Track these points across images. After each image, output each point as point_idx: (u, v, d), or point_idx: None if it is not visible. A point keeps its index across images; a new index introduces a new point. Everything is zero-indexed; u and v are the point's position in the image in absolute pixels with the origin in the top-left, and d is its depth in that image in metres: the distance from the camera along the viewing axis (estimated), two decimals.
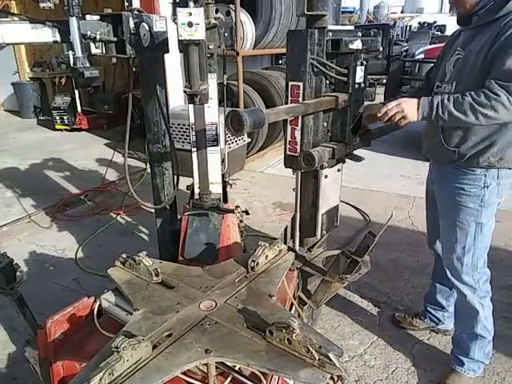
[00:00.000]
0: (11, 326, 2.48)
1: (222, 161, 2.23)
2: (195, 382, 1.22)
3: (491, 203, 1.80)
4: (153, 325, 1.24)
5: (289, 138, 1.87)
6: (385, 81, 9.68)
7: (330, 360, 1.06)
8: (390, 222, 1.61)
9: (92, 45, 1.69)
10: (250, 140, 5.36)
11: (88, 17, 1.68)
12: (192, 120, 2.03)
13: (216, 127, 2.09)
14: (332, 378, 1.09)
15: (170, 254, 2.22)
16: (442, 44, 1.95)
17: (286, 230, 2.14)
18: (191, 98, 1.60)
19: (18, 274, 1.59)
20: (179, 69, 4.58)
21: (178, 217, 2.32)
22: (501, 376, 2.13)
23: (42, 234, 3.75)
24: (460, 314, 2.06)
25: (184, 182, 2.31)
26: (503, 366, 2.19)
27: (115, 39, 1.71)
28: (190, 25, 1.41)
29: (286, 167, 1.95)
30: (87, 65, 1.55)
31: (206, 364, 1.15)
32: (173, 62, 4.36)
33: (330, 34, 1.72)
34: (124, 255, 1.58)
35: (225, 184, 2.28)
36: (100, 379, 0.98)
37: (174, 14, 1.52)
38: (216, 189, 2.19)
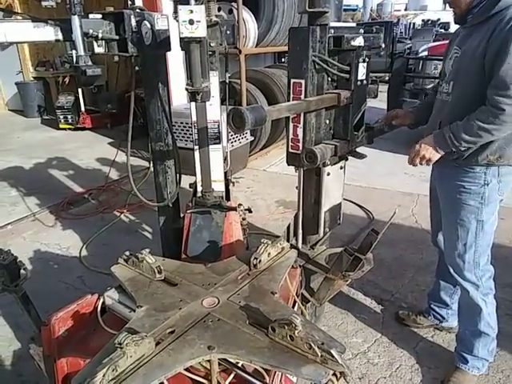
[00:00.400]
0: (16, 323, 2.50)
1: (225, 159, 2.22)
2: (198, 378, 1.23)
3: (492, 200, 1.80)
4: (156, 321, 1.24)
5: (291, 136, 1.87)
6: (387, 78, 9.65)
7: (333, 356, 1.06)
8: (394, 220, 1.61)
9: (95, 44, 1.70)
10: (252, 138, 5.36)
11: (91, 15, 1.69)
12: (194, 118, 2.03)
13: (218, 125, 2.09)
14: (334, 374, 1.09)
15: (172, 251, 2.22)
16: (446, 41, 1.95)
17: (288, 227, 2.14)
18: (193, 95, 1.60)
19: (22, 271, 1.60)
20: (182, 67, 4.59)
21: (181, 215, 2.32)
22: (505, 374, 2.12)
23: (47, 232, 3.77)
24: (463, 311, 2.06)
25: (188, 181, 2.31)
26: (508, 363, 2.18)
27: (117, 37, 1.71)
28: (191, 22, 1.41)
29: (288, 165, 1.95)
30: (89, 63, 1.56)
31: (208, 360, 1.16)
32: (176, 60, 4.37)
33: (332, 31, 1.72)
34: (127, 253, 1.58)
35: (227, 182, 2.28)
36: (103, 375, 0.99)
37: (176, 11, 1.52)
38: (218, 187, 2.19)
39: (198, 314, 1.29)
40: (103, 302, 1.52)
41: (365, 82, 1.83)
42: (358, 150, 1.98)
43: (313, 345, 1.08)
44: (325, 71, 1.76)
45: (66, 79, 8.01)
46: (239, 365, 1.23)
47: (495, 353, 2.12)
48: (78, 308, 1.47)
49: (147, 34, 1.76)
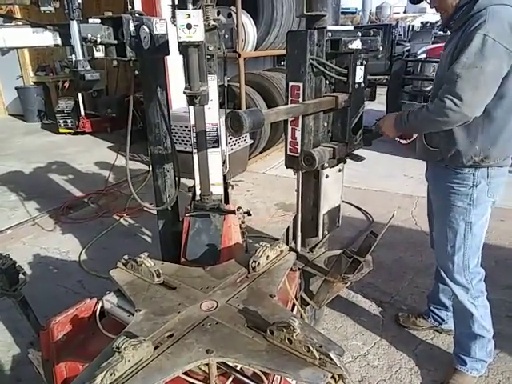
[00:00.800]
0: (15, 328, 2.50)
1: (224, 162, 2.23)
2: (197, 382, 1.22)
3: (481, 202, 1.80)
4: (154, 325, 1.24)
5: (289, 139, 1.87)
6: (385, 81, 9.66)
7: (331, 359, 1.06)
8: (393, 222, 1.61)
9: (94, 48, 1.71)
10: (252, 141, 5.37)
11: (90, 20, 1.70)
12: (193, 122, 2.04)
13: (217, 128, 2.10)
14: (333, 377, 1.09)
15: (172, 255, 2.23)
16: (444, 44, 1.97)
17: (287, 230, 2.14)
18: (191, 99, 1.61)
19: (20, 276, 1.61)
20: (181, 71, 4.60)
21: (180, 218, 2.32)
22: (505, 376, 2.11)
23: (46, 236, 3.77)
24: (457, 314, 2.06)
25: (187, 184, 2.32)
26: (508, 365, 2.17)
27: (116, 42, 1.72)
28: (188, 27, 1.42)
29: (286, 168, 1.95)
30: (88, 68, 1.56)
31: (207, 364, 1.16)
32: (175, 63, 4.38)
33: (330, 34, 1.72)
34: (126, 257, 1.58)
35: (226, 185, 2.28)
36: (102, 379, 0.99)
37: (173, 16, 1.53)
38: (217, 190, 2.19)
39: (196, 318, 1.29)
40: (102, 306, 1.52)
41: (362, 84, 1.84)
42: (356, 152, 1.98)
43: (311, 348, 1.08)
44: (323, 74, 1.77)
45: (66, 84, 8.03)
46: (238, 368, 1.23)
47: (495, 354, 2.12)
48: (76, 312, 1.47)
49: (146, 39, 1.77)
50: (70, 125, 7.39)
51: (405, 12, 27.92)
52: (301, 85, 1.75)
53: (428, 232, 2.35)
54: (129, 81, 1.97)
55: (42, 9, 1.48)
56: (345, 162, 1.99)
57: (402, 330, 2.46)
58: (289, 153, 1.90)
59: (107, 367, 1.01)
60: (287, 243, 2.12)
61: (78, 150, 6.53)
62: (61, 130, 7.46)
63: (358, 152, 2.00)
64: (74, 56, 1.56)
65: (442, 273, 1.98)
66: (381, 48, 1.90)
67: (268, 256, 1.58)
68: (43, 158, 5.96)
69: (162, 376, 1.05)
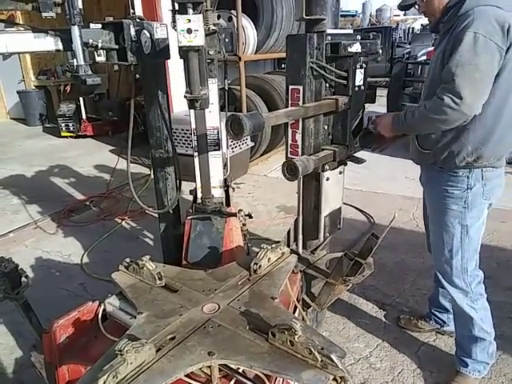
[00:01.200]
0: (18, 331, 2.51)
1: (225, 165, 2.24)
2: None
3: (476, 205, 1.79)
4: (156, 328, 1.25)
5: (290, 142, 1.88)
6: (385, 83, 9.66)
7: (333, 361, 1.06)
8: (394, 224, 1.61)
9: (95, 53, 1.72)
10: (253, 144, 5.38)
11: (92, 25, 1.72)
12: (193, 125, 2.05)
13: (218, 132, 2.11)
14: (335, 379, 1.09)
15: (173, 257, 2.23)
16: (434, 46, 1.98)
17: (289, 232, 2.15)
18: (192, 103, 1.62)
19: (23, 279, 1.61)
20: (182, 74, 4.62)
21: (182, 221, 2.33)
22: (508, 377, 2.11)
23: (48, 240, 3.78)
24: (456, 317, 2.05)
25: (188, 187, 2.32)
26: (510, 366, 2.17)
27: (117, 47, 1.74)
28: (189, 31, 1.43)
29: None
30: (89, 72, 1.57)
31: (209, 366, 1.16)
32: (176, 67, 4.40)
33: (329, 37, 1.73)
34: (128, 259, 1.59)
35: (227, 188, 2.29)
36: (104, 382, 0.99)
37: (174, 20, 1.54)
38: (218, 193, 2.20)
39: (198, 320, 1.29)
40: (104, 309, 1.53)
41: (362, 87, 1.85)
42: (357, 154, 1.99)
43: (313, 350, 1.08)
44: (322, 77, 1.78)
45: (68, 87, 8.06)
46: (240, 370, 1.23)
47: (497, 356, 2.11)
48: (79, 315, 1.47)
49: (146, 43, 1.78)
50: (71, 128, 7.42)
51: (405, 14, 27.89)
52: (301, 88, 1.76)
53: None
54: (130, 84, 1.98)
55: (44, 14, 1.49)
56: (345, 164, 1.99)
57: (404, 332, 2.46)
58: (289, 155, 1.91)
59: (109, 370, 1.01)
60: (288, 245, 2.12)
61: (79, 153, 6.55)
62: (62, 134, 7.48)
63: (359, 154, 2.00)
64: (75, 61, 1.57)
65: (440, 277, 1.97)
66: (381, 51, 1.91)
67: (269, 258, 1.59)
68: (45, 161, 5.98)
69: (164, 379, 1.05)
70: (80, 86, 1.56)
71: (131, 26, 1.72)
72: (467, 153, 1.71)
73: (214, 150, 2.13)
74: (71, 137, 7.49)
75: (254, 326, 1.25)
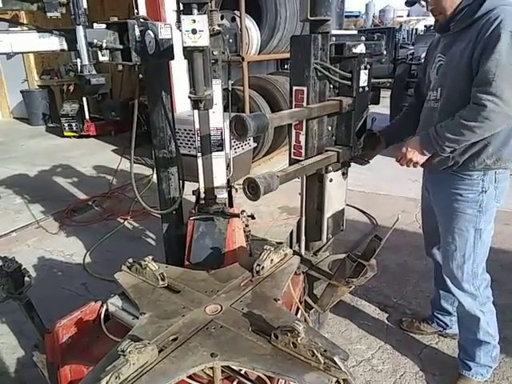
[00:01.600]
0: (20, 330, 2.51)
1: (228, 165, 2.24)
2: None
3: (489, 208, 1.77)
4: (159, 329, 1.24)
5: (293, 143, 1.88)
6: (388, 84, 9.64)
7: (336, 364, 1.06)
8: (397, 226, 1.60)
9: (99, 53, 1.72)
10: (256, 145, 5.38)
11: (96, 25, 1.72)
12: (197, 125, 2.05)
13: (221, 132, 2.11)
14: (338, 381, 1.08)
15: (176, 258, 2.23)
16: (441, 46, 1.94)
17: (291, 234, 2.14)
18: (196, 103, 1.62)
19: (26, 278, 1.61)
20: (186, 74, 4.62)
21: (184, 221, 2.33)
22: (510, 380, 2.10)
23: (51, 239, 3.78)
24: (461, 321, 2.04)
25: (191, 187, 2.32)
26: None
27: (121, 47, 1.74)
28: (194, 32, 1.43)
29: None
30: (94, 72, 1.58)
31: (211, 368, 1.16)
32: (180, 67, 4.40)
33: (334, 38, 1.73)
34: (130, 260, 1.59)
35: (230, 188, 2.29)
36: (106, 383, 0.99)
37: (179, 21, 1.54)
38: (221, 193, 2.20)
39: (200, 321, 1.29)
40: (106, 309, 1.52)
41: (367, 88, 1.84)
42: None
43: (316, 352, 1.08)
44: (327, 78, 1.78)
45: (71, 87, 8.09)
46: (242, 372, 1.23)
47: (500, 359, 2.10)
48: (81, 315, 1.47)
49: (151, 44, 1.78)
50: (74, 128, 7.44)
51: (408, 15, 27.89)
52: (305, 89, 1.76)
53: None
54: (133, 84, 1.99)
55: (49, 14, 1.49)
56: (349, 165, 1.99)
57: (407, 334, 2.45)
58: (293, 156, 1.90)
59: (112, 370, 1.01)
60: (291, 247, 2.12)
61: (82, 153, 6.56)
62: (65, 134, 7.50)
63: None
64: (79, 60, 1.57)
65: (449, 283, 1.93)
66: (385, 52, 1.90)
67: (272, 260, 1.58)
68: (48, 161, 5.99)
69: (166, 380, 1.05)
70: (84, 85, 1.56)
71: (136, 27, 1.72)
72: (487, 155, 1.67)
73: (218, 151, 2.13)
74: (74, 136, 7.50)
75: (256, 327, 1.24)
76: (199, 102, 1.61)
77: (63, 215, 4.20)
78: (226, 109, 2.18)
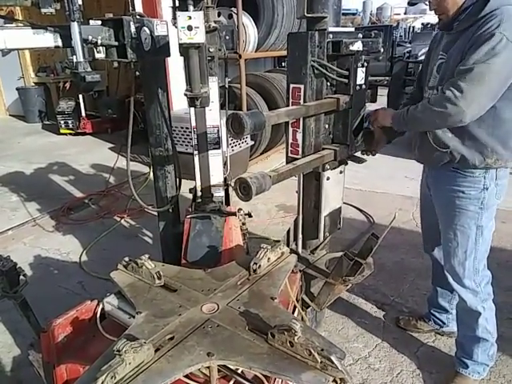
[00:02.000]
0: (16, 329, 2.50)
1: (225, 163, 2.23)
2: None
3: (490, 205, 1.78)
4: (155, 328, 1.24)
5: (290, 141, 1.87)
6: (386, 82, 9.63)
7: (332, 363, 1.05)
8: (394, 224, 1.60)
9: (95, 49, 1.71)
10: (253, 143, 5.37)
11: (91, 22, 1.70)
12: (193, 123, 2.04)
13: (218, 130, 2.10)
14: (335, 380, 1.08)
15: (172, 256, 2.22)
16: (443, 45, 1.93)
17: (288, 232, 2.14)
18: (192, 101, 1.61)
19: (21, 277, 1.60)
20: (182, 72, 4.60)
21: (181, 220, 2.32)
22: (507, 378, 2.11)
23: (47, 237, 3.77)
24: (461, 317, 2.05)
25: (188, 185, 2.31)
26: (509, 368, 2.17)
27: (116, 44, 1.72)
28: (189, 28, 1.42)
29: None
30: (89, 69, 1.56)
31: (208, 367, 1.15)
32: (176, 65, 4.38)
33: (331, 35, 1.72)
34: (126, 258, 1.58)
35: (227, 187, 2.28)
36: (102, 382, 0.98)
37: (174, 17, 1.53)
38: (218, 191, 2.19)
39: (197, 320, 1.28)
40: (102, 308, 1.52)
41: (364, 86, 1.83)
42: (357, 154, 1.98)
43: (312, 351, 1.07)
44: (324, 76, 1.77)
45: (67, 84, 8.04)
46: (239, 371, 1.23)
47: (496, 357, 2.11)
48: (77, 314, 1.47)
49: (146, 40, 1.76)
50: (70, 125, 7.40)
51: (405, 13, 27.89)
52: (302, 86, 1.75)
53: None
54: (129, 82, 1.97)
55: (43, 10, 1.48)
56: (346, 163, 1.98)
57: (404, 332, 2.45)
58: (290, 154, 1.90)
59: (108, 370, 1.00)
60: (288, 245, 2.12)
61: (78, 150, 6.53)
62: (61, 131, 7.46)
63: (359, 154, 1.99)
64: (74, 57, 1.56)
65: (451, 279, 1.93)
66: (382, 50, 1.89)
67: (269, 258, 1.58)
68: (44, 158, 5.96)
69: (162, 379, 1.05)
70: (79, 82, 1.54)
71: (131, 23, 1.71)
72: (487, 154, 1.68)
73: (214, 149, 2.11)
74: (70, 134, 7.47)
75: (253, 326, 1.24)
76: (195, 100, 1.60)
77: (59, 213, 4.18)
78: (222, 106, 2.17)
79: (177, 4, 1.70)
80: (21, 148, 6.79)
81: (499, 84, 1.53)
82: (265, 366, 1.09)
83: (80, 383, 1.04)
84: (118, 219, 4.06)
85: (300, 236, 2.08)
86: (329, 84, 1.82)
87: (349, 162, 1.98)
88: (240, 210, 2.26)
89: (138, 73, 2.01)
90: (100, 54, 1.74)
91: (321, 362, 1.07)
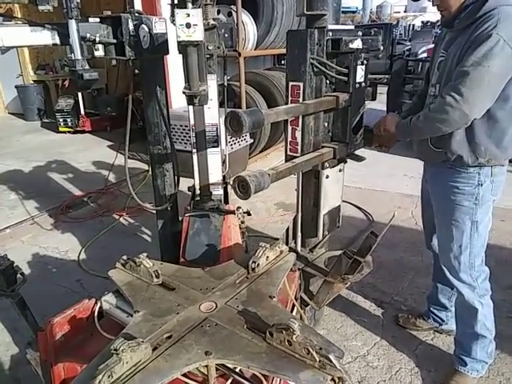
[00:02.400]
0: (14, 327, 2.49)
1: (223, 162, 2.22)
2: None
3: (485, 201, 1.80)
4: (153, 327, 1.23)
5: (289, 139, 1.86)
6: (385, 80, 9.63)
7: (331, 361, 1.05)
8: (393, 222, 1.60)
9: (94, 47, 1.70)
10: (252, 141, 5.36)
11: (90, 19, 1.69)
12: (192, 121, 2.03)
13: (217, 128, 2.09)
14: (333, 379, 1.08)
15: (171, 255, 2.22)
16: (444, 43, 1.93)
17: (287, 230, 2.13)
18: (190, 99, 1.60)
19: (18, 276, 1.60)
20: (181, 70, 4.59)
21: (180, 218, 2.32)
22: (506, 376, 2.11)
23: (46, 235, 3.76)
24: (459, 313, 2.05)
25: (187, 183, 2.31)
26: (508, 366, 2.17)
27: (115, 41, 1.72)
28: (188, 26, 1.41)
29: None
30: (87, 67, 1.55)
31: (206, 366, 1.15)
32: (175, 62, 4.37)
33: (330, 33, 1.71)
34: (125, 257, 1.57)
35: (226, 185, 2.27)
36: (99, 381, 0.98)
37: (173, 15, 1.52)
38: (217, 190, 2.19)
39: (195, 319, 1.27)
40: (100, 307, 1.51)
41: (363, 84, 1.83)
42: (357, 152, 1.97)
43: (311, 350, 1.07)
44: (323, 74, 1.76)
45: (66, 82, 8.02)
46: (237, 370, 1.22)
47: (495, 355, 2.11)
48: (75, 313, 1.46)
49: (145, 38, 1.76)
50: (69, 123, 7.38)
51: (405, 11, 27.86)
52: (301, 84, 1.74)
53: None
54: (128, 80, 1.96)
55: (40, 8, 1.47)
56: (345, 162, 1.98)
57: (402, 330, 2.45)
58: (289, 153, 1.89)
59: (105, 369, 1.00)
60: (287, 243, 2.11)
61: (77, 148, 6.52)
62: (60, 129, 7.44)
63: (359, 152, 1.99)
64: (72, 55, 1.55)
65: (447, 273, 1.96)
66: (381, 48, 1.89)
67: (268, 256, 1.57)
68: (43, 156, 5.95)
69: (160, 378, 1.04)
70: (77, 80, 1.53)
71: (130, 21, 1.70)
72: (480, 154, 1.71)
73: (213, 147, 2.11)
74: (69, 132, 7.45)
75: (251, 325, 1.23)
76: (194, 98, 1.59)
77: (58, 211, 4.17)
78: (221, 104, 2.16)
79: (175, 1, 1.69)
80: (20, 146, 6.78)
81: (498, 84, 1.55)
82: (263, 365, 1.08)
83: (77, 382, 1.03)
84: (117, 217, 4.05)
85: (299, 234, 2.08)
86: (328, 82, 1.82)
87: (348, 160, 1.98)
88: (239, 208, 2.26)
89: (136, 71, 2.00)
90: (98, 52, 1.73)
91: (319, 361, 1.06)
